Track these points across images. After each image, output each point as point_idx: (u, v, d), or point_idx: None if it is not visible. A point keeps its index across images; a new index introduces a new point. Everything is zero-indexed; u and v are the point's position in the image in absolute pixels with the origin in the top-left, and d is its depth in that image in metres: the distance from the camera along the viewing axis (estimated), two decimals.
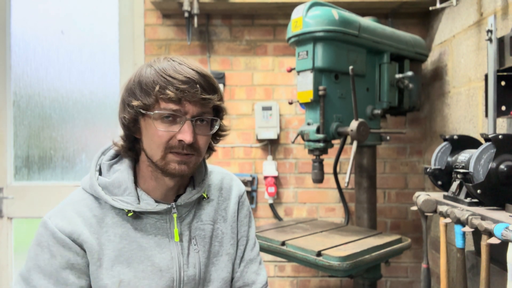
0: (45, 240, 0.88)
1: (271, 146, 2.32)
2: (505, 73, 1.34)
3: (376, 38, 1.75)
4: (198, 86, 0.87)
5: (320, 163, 1.68)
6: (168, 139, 0.89)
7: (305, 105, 1.72)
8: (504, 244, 0.93)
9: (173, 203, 0.97)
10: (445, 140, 1.40)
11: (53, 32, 2.33)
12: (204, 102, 0.89)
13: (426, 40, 2.26)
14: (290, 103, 1.92)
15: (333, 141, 1.70)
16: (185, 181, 1.02)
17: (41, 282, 0.87)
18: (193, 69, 0.89)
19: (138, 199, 0.94)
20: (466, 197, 1.20)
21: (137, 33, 2.31)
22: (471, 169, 1.14)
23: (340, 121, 1.68)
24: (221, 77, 2.30)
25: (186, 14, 2.11)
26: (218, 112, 0.97)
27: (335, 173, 2.02)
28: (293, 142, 2.07)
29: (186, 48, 2.31)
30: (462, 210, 1.13)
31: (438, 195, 1.37)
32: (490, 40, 1.34)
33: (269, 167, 2.27)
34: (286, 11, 2.20)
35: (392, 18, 2.29)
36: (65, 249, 0.88)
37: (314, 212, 2.33)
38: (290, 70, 1.86)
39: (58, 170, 2.33)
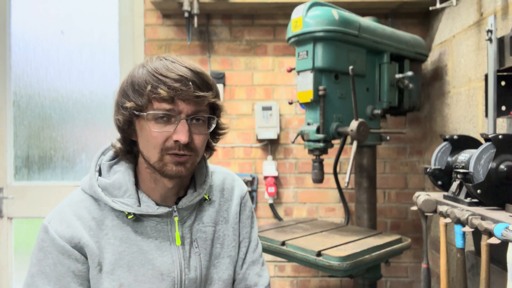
0: (46, 245, 0.87)
1: (271, 146, 2.32)
2: (505, 73, 1.34)
3: (376, 38, 1.75)
4: (191, 83, 0.84)
5: (320, 163, 1.68)
6: (163, 140, 0.86)
7: (305, 105, 1.72)
8: (504, 244, 0.93)
9: (174, 206, 0.95)
10: (445, 140, 1.40)
11: (53, 32, 2.33)
12: (199, 100, 0.86)
13: (426, 40, 2.26)
14: (290, 103, 1.92)
15: (333, 141, 1.70)
16: (186, 182, 1.00)
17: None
18: (185, 67, 0.86)
19: (139, 201, 0.92)
20: (466, 197, 1.20)
21: (137, 33, 2.31)
22: (471, 169, 1.14)
23: (340, 121, 1.68)
24: (221, 77, 2.30)
25: (186, 14, 2.11)
26: (215, 110, 0.94)
27: (335, 173, 2.02)
28: (293, 142, 2.06)
29: (186, 48, 2.31)
30: (462, 210, 1.12)
31: (438, 195, 1.37)
32: (490, 40, 1.34)
33: (269, 167, 2.27)
34: (286, 11, 2.20)
35: (392, 18, 2.29)
36: (65, 257, 0.87)
37: (314, 212, 2.33)
38: (290, 70, 1.85)
39: (58, 170, 2.33)
